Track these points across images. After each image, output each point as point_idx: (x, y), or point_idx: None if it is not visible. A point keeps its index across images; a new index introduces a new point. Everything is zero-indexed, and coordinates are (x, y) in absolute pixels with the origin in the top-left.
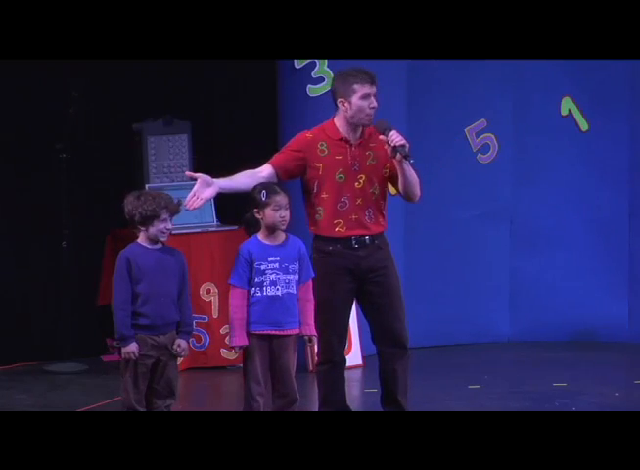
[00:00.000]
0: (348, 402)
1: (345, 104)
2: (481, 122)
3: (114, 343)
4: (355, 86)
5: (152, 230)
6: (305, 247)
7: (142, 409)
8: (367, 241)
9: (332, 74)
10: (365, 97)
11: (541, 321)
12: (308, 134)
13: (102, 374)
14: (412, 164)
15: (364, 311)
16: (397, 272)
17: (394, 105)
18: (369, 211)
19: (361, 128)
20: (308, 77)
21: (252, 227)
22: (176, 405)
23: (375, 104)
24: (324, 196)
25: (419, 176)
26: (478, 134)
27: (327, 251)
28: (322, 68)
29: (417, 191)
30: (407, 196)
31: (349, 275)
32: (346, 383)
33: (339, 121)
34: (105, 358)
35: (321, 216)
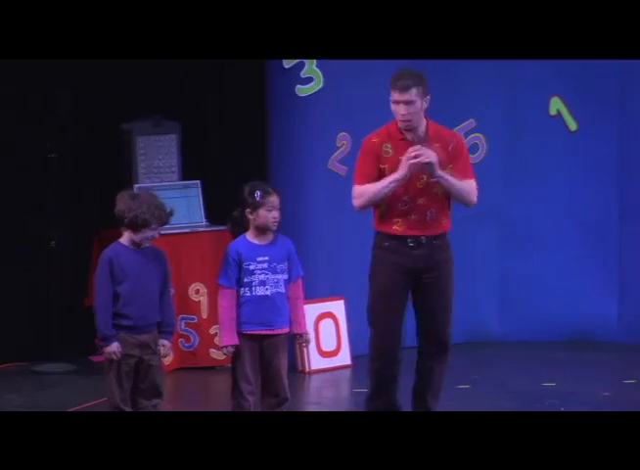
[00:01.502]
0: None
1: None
2: (470, 122)
3: (97, 341)
4: (392, 90)
5: (138, 236)
6: (294, 246)
7: (128, 409)
8: (423, 241)
9: (320, 74)
10: (395, 102)
11: (531, 321)
12: (374, 139)
13: (91, 374)
14: (440, 179)
15: (415, 307)
16: (453, 275)
17: (383, 104)
18: (431, 212)
19: (423, 127)
20: (297, 77)
21: (239, 227)
22: (165, 405)
23: (404, 111)
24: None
25: (475, 179)
26: (466, 134)
27: (383, 246)
28: (311, 67)
29: (467, 199)
30: (460, 203)
31: (402, 271)
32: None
33: None
34: (94, 359)
35: (382, 214)
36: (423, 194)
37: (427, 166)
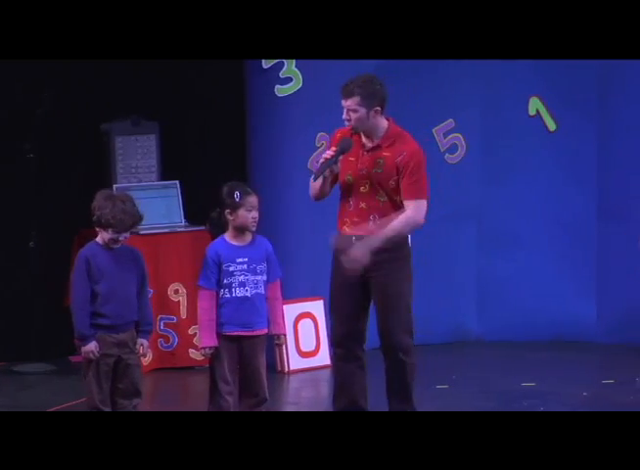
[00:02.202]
0: (362, 402)
1: None
2: (449, 123)
3: (75, 342)
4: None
5: (104, 235)
6: (272, 247)
7: (107, 409)
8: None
9: (300, 74)
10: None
11: (509, 321)
12: (338, 133)
13: (70, 374)
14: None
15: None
16: (402, 275)
17: None
18: (373, 217)
19: (379, 134)
20: (276, 77)
21: (218, 228)
22: (144, 405)
23: (345, 116)
24: (341, 189)
25: (421, 196)
26: (445, 134)
27: (337, 245)
28: (290, 68)
29: (407, 233)
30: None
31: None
32: (321, 384)
33: None
34: (73, 359)
35: (338, 214)
36: (365, 199)
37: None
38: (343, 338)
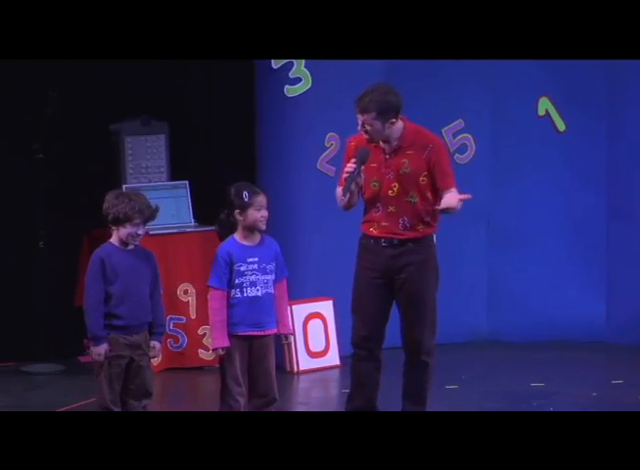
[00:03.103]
0: (376, 402)
1: None
2: (459, 123)
3: (86, 342)
4: None
5: (122, 232)
6: (280, 246)
7: (117, 410)
8: (396, 242)
9: (309, 75)
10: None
11: (519, 321)
12: (352, 142)
13: (79, 375)
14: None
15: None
16: (431, 278)
17: None
18: (403, 220)
19: (397, 134)
20: (286, 78)
21: (226, 229)
22: (154, 406)
23: (361, 129)
24: (366, 198)
25: (456, 185)
26: (455, 135)
27: (362, 245)
28: (299, 68)
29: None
30: None
31: (375, 271)
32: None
33: None
34: (82, 359)
35: (365, 214)
36: (394, 202)
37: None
38: (366, 339)
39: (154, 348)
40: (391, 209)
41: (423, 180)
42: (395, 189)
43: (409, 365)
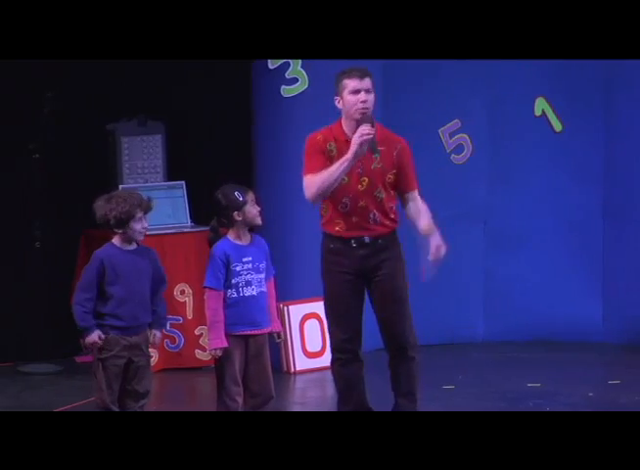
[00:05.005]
0: (368, 403)
1: (340, 101)
2: (455, 123)
3: (81, 342)
4: (345, 81)
5: (129, 232)
6: (268, 245)
7: (116, 410)
8: (367, 241)
9: (305, 75)
10: (355, 92)
11: (515, 321)
12: (319, 136)
13: (76, 375)
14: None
15: (373, 308)
16: (404, 273)
17: None
18: (373, 214)
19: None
20: (282, 78)
21: (219, 236)
22: (150, 406)
23: (364, 97)
24: (330, 193)
25: (418, 187)
26: (452, 135)
27: (329, 249)
28: (296, 68)
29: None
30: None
31: (349, 272)
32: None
33: (344, 122)
34: (78, 359)
35: (326, 214)
36: (363, 197)
37: (370, 144)
38: (347, 342)
39: (155, 335)
40: (362, 203)
41: (390, 178)
42: (365, 183)
43: (396, 362)
